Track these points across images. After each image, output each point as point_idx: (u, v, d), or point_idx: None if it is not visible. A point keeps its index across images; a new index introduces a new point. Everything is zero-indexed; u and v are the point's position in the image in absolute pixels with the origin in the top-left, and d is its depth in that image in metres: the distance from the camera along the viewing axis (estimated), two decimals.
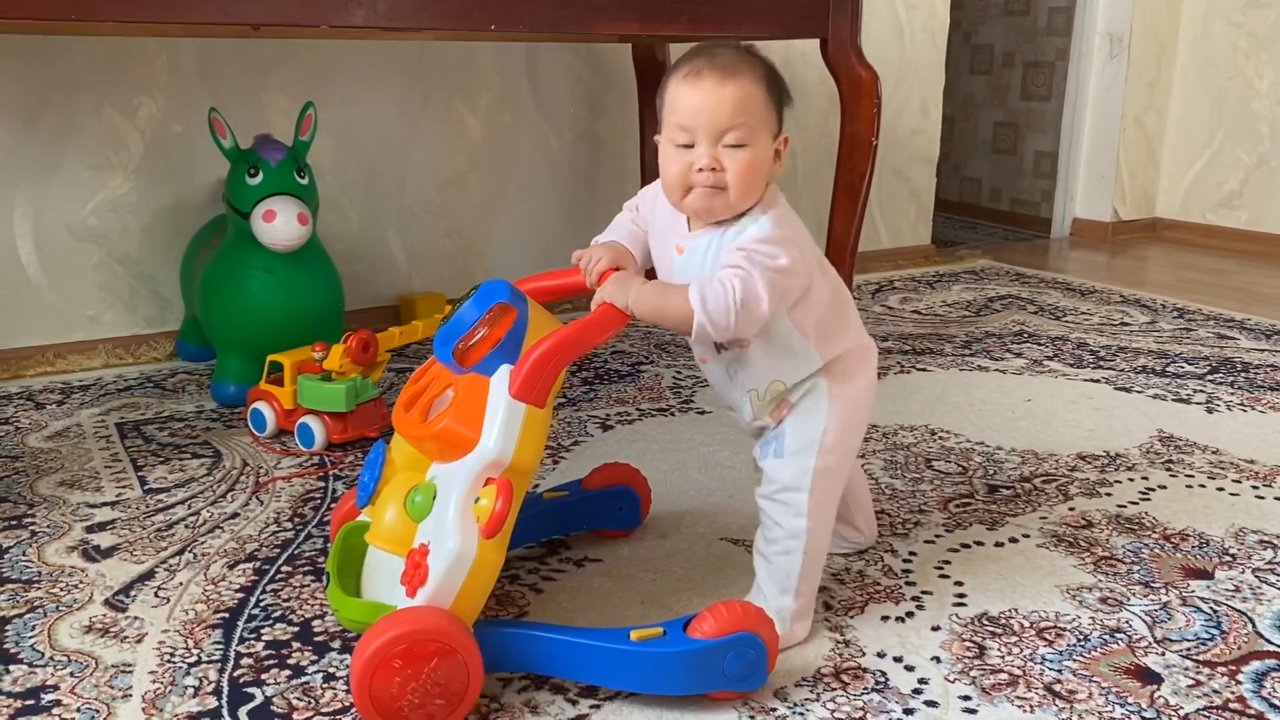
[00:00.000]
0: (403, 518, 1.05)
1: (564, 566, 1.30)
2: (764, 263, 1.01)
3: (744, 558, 1.33)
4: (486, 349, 1.04)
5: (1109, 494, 1.51)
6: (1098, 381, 2.02)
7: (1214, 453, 1.67)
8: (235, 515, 1.45)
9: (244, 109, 2.14)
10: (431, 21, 1.55)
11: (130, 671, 1.09)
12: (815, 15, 1.82)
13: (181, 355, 2.13)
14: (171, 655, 1.11)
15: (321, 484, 1.55)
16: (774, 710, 1.03)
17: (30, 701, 1.03)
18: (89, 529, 1.41)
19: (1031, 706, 1.03)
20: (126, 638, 1.15)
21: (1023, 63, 3.94)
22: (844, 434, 1.13)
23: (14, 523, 1.43)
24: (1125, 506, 1.47)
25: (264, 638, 1.15)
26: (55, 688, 1.06)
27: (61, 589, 1.25)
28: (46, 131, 2.02)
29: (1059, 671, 1.09)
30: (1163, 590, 1.25)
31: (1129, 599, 1.23)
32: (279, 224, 1.75)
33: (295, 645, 1.14)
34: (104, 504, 1.49)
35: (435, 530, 1.00)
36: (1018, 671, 1.09)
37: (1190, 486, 1.54)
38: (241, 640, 1.15)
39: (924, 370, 2.09)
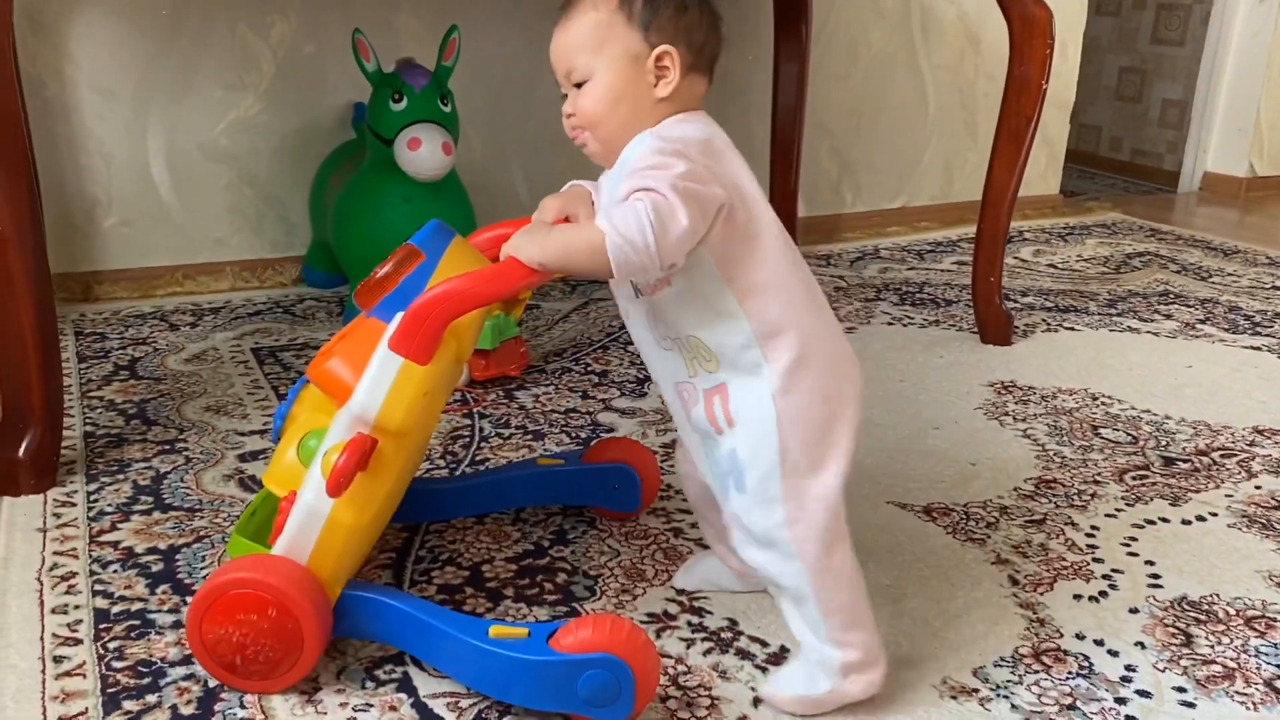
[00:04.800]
0: (295, 460, 0.99)
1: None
2: (661, 174, 0.86)
3: (914, 523, 1.28)
4: (385, 292, 0.96)
5: None
6: (1259, 349, 1.92)
7: None
8: None
9: (375, 30, 2.07)
10: None
11: None
12: None
13: (307, 281, 2.12)
14: None
15: (468, 421, 1.53)
16: (976, 691, 0.98)
17: None
18: (241, 458, 1.40)
19: (1254, 704, 0.97)
20: None
21: (1156, 4, 3.72)
22: (809, 446, 0.92)
23: (168, 447, 1.42)
24: None
25: (435, 581, 1.13)
26: None
27: (224, 519, 1.24)
28: (182, 48, 1.99)
29: (1278, 667, 1.02)
30: None
31: None
32: (424, 153, 1.70)
33: (469, 590, 1.11)
34: (252, 432, 1.47)
35: (306, 479, 0.94)
36: (1232, 664, 1.02)
37: None
38: (413, 583, 1.13)
39: (1072, 329, 2.00)
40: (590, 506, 1.28)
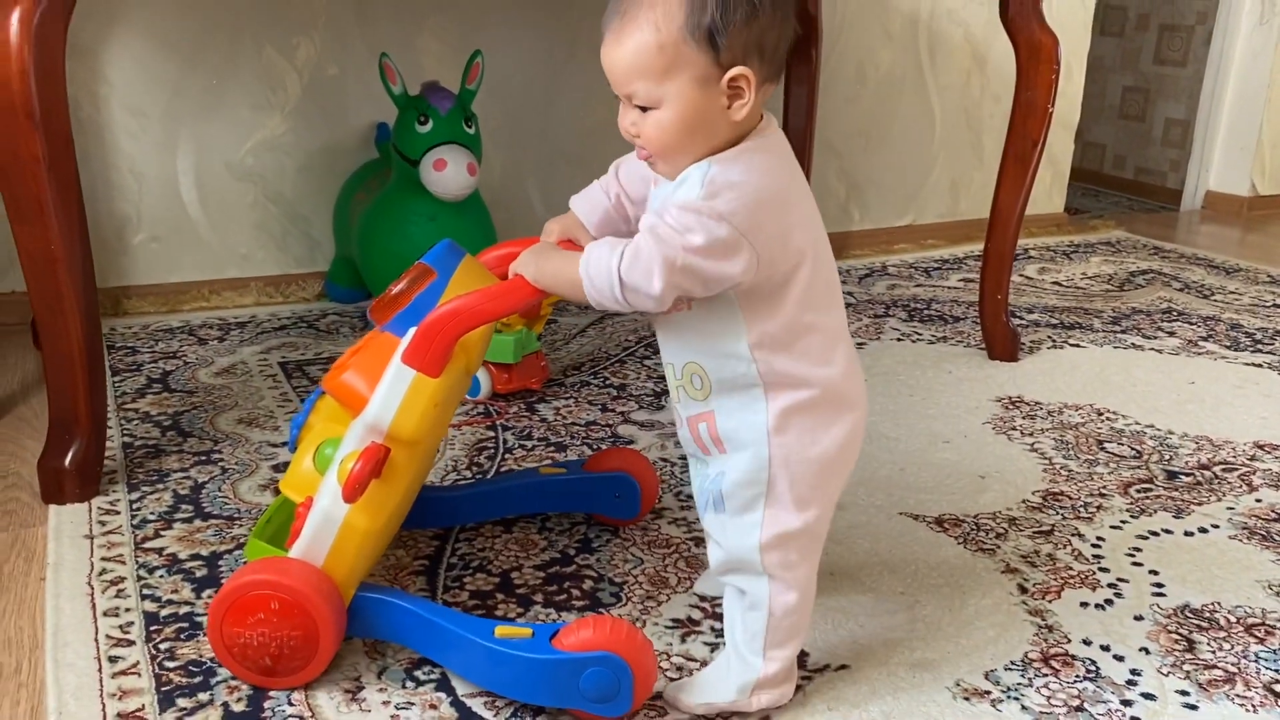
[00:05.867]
0: (312, 468, 1.04)
1: None
2: (669, 237, 0.84)
3: (926, 533, 1.32)
4: (399, 308, 1.01)
5: None
6: (1260, 366, 1.96)
7: None
8: None
9: (397, 52, 2.14)
10: None
11: None
12: None
13: (330, 296, 2.17)
14: None
15: (491, 434, 1.58)
16: (987, 694, 1.02)
17: None
18: (275, 468, 1.45)
19: (1254, 706, 1.02)
20: None
21: (1158, 25, 3.78)
22: (797, 484, 0.92)
23: (203, 458, 1.47)
24: None
25: (467, 587, 1.18)
26: None
27: None
28: (210, 70, 2.05)
29: (1277, 671, 1.07)
30: None
31: None
32: (449, 174, 1.76)
33: (499, 596, 1.16)
34: (283, 443, 1.52)
35: (322, 486, 0.99)
36: (1233, 669, 1.07)
37: None
38: (446, 589, 1.17)
39: (1077, 346, 2.05)
40: (594, 514, 1.32)
